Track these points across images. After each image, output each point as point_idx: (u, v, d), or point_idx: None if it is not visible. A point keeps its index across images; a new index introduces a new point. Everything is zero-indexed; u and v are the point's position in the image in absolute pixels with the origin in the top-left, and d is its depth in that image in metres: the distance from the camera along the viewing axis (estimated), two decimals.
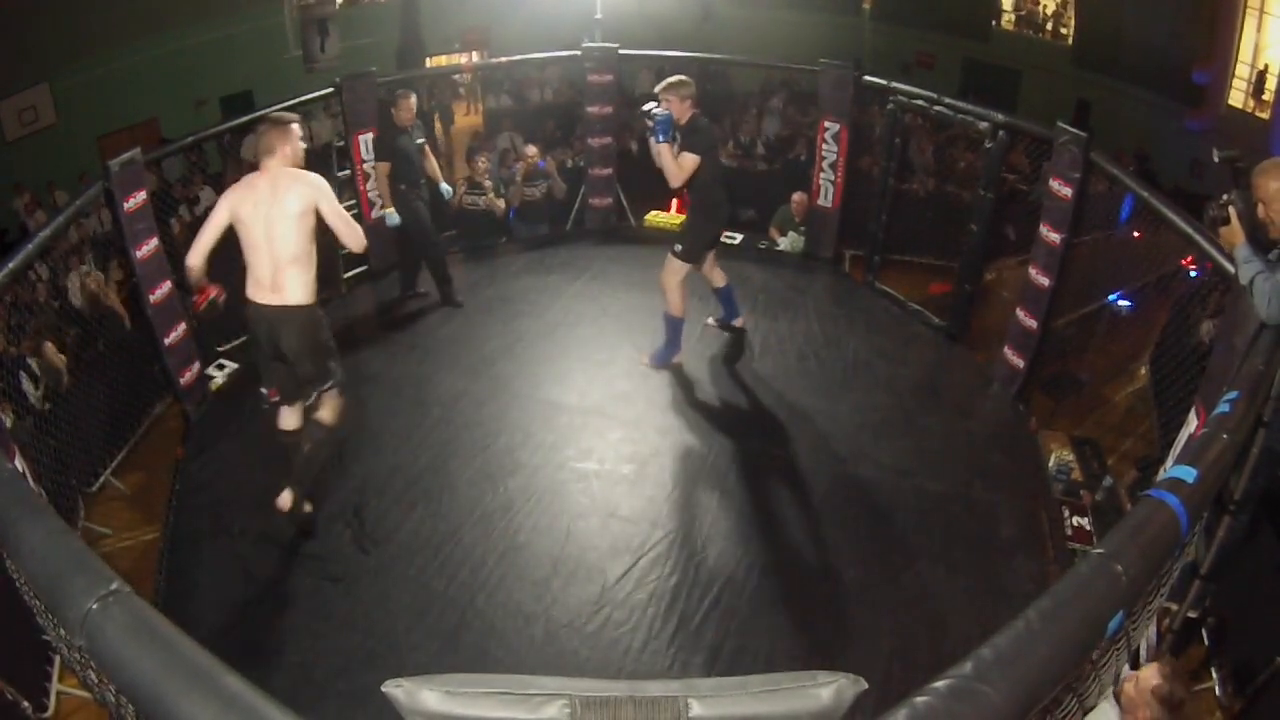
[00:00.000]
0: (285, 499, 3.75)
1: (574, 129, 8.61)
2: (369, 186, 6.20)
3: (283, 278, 3.35)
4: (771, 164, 8.82)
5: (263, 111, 6.24)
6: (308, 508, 3.91)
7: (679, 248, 4.81)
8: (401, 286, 6.13)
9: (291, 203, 3.30)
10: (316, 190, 3.36)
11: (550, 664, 3.30)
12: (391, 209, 5.62)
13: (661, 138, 4.46)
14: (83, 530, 4.42)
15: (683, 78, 4.60)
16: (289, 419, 3.74)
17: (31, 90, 9.28)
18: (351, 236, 3.49)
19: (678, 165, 4.51)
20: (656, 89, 4.61)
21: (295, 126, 3.46)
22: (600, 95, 6.88)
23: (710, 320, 5.61)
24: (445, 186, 6.03)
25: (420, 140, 5.68)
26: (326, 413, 3.71)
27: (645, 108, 4.59)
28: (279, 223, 3.30)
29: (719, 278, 5.30)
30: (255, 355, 3.59)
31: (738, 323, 5.57)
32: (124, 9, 9.52)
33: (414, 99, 5.59)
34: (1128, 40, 10.70)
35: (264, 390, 3.69)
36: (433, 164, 5.90)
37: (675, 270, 4.82)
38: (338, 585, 3.69)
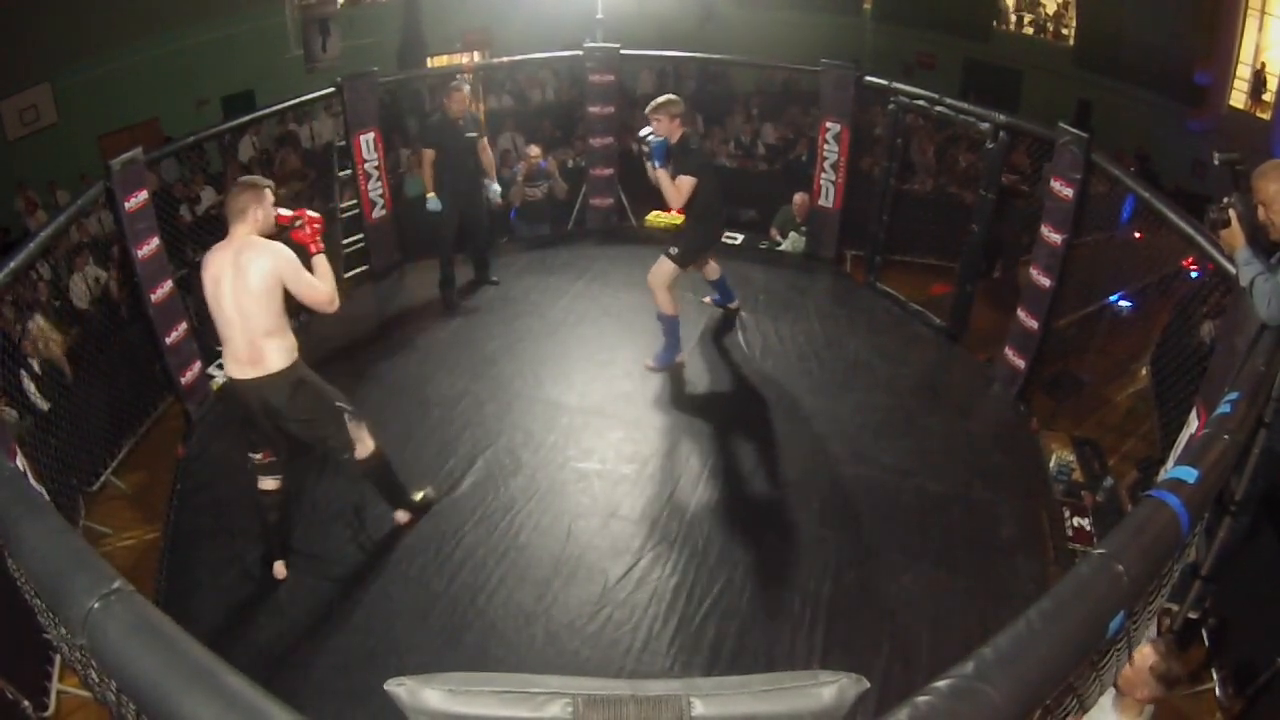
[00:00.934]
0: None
1: (575, 129, 8.62)
2: (371, 187, 6.21)
3: (260, 350, 3.21)
4: (772, 164, 8.83)
5: (263, 111, 6.30)
6: (403, 518, 3.98)
7: (674, 250, 4.81)
8: (475, 271, 6.21)
9: (255, 279, 3.13)
10: (280, 263, 3.17)
11: (551, 663, 3.30)
12: (433, 194, 5.66)
13: (659, 163, 4.49)
14: (83, 529, 4.42)
15: (672, 97, 4.58)
16: (269, 481, 3.57)
17: (32, 90, 9.27)
18: (322, 302, 3.27)
19: (676, 189, 4.53)
20: (647, 110, 4.57)
21: (269, 191, 3.27)
22: (602, 95, 6.89)
23: (706, 299, 5.71)
24: (495, 187, 5.98)
25: (471, 134, 5.64)
26: (361, 449, 3.57)
27: (641, 134, 4.61)
28: (245, 298, 3.14)
29: (713, 271, 5.40)
30: (243, 426, 3.44)
31: (734, 305, 5.67)
32: (125, 9, 9.51)
33: (466, 90, 5.64)
34: (1129, 41, 10.70)
35: (253, 455, 3.49)
36: (487, 159, 5.86)
37: (666, 272, 4.81)
38: (338, 585, 3.69)
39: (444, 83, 5.79)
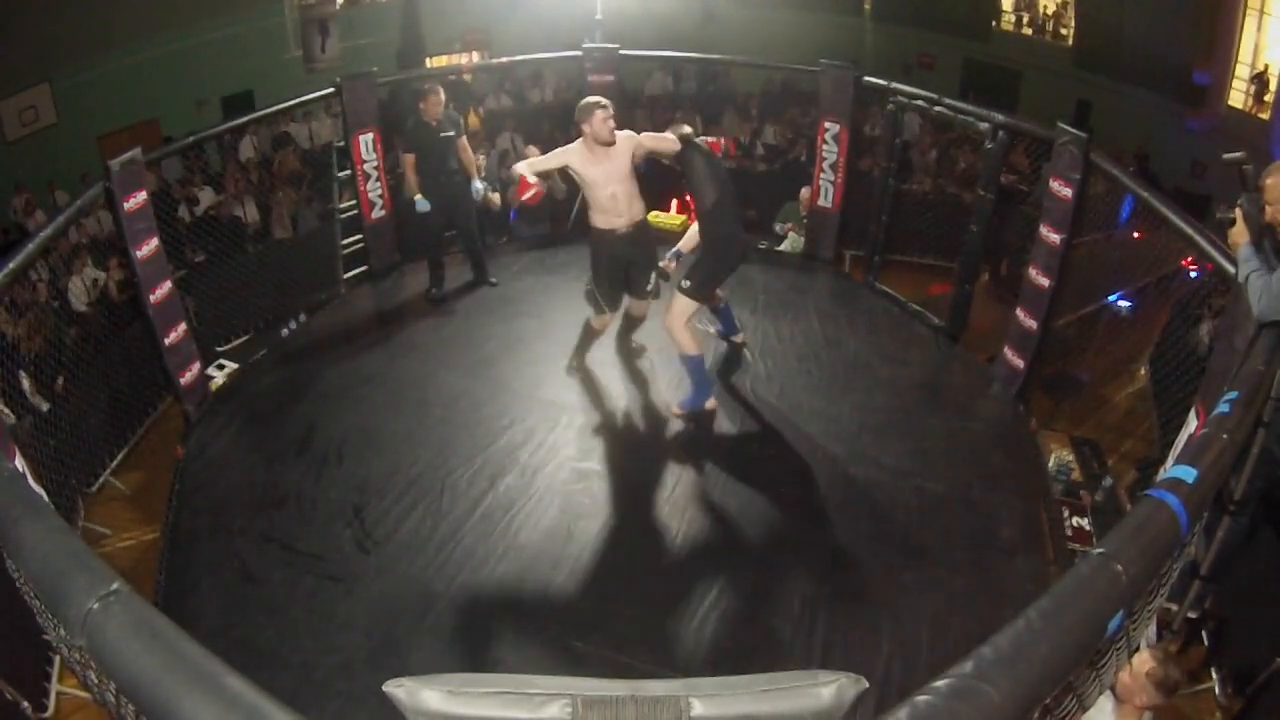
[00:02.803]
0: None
1: (574, 129, 8.60)
2: (370, 188, 6.21)
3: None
4: (771, 165, 8.83)
5: (263, 112, 6.29)
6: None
7: (686, 284, 4.48)
8: (472, 272, 6.26)
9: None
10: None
11: (551, 664, 3.30)
12: (420, 195, 5.78)
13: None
14: (83, 530, 4.42)
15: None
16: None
17: (32, 90, 9.27)
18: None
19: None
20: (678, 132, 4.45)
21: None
22: (601, 96, 6.87)
23: (712, 329, 5.42)
24: (477, 184, 5.95)
25: (448, 134, 5.72)
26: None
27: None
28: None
29: (718, 297, 5.13)
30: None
31: (738, 339, 5.36)
32: (124, 9, 9.51)
33: (441, 94, 5.72)
34: (1128, 40, 10.70)
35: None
36: (467, 158, 5.92)
37: (683, 310, 4.48)
38: (338, 585, 3.70)
39: (433, 85, 5.83)
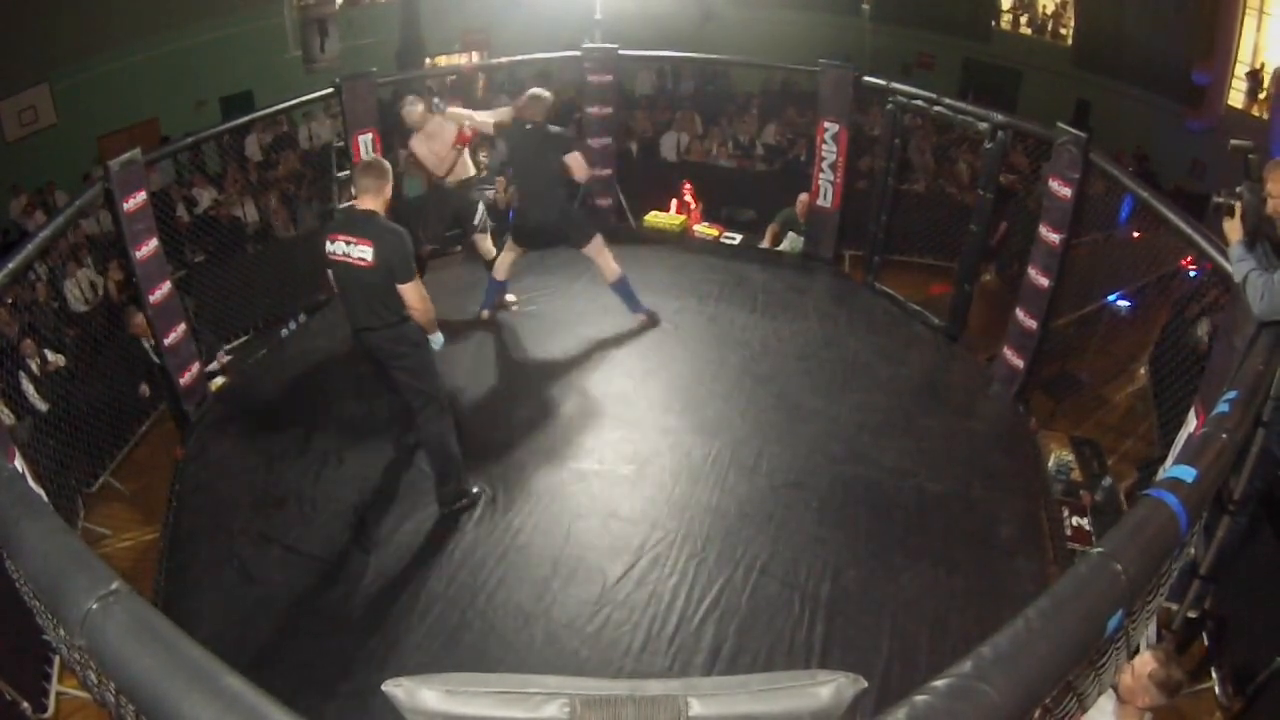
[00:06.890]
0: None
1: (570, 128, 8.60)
2: None
3: None
4: (771, 165, 8.84)
5: (262, 112, 6.29)
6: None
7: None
8: None
9: None
10: None
11: (550, 663, 3.30)
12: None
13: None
14: (82, 530, 4.42)
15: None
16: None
17: (31, 90, 9.27)
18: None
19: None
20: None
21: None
22: (600, 96, 6.88)
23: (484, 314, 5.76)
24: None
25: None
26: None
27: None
28: None
29: (502, 270, 5.63)
30: None
31: (484, 314, 5.75)
32: (124, 9, 9.51)
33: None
34: (1128, 40, 10.71)
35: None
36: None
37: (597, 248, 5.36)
38: (338, 585, 3.69)
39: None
